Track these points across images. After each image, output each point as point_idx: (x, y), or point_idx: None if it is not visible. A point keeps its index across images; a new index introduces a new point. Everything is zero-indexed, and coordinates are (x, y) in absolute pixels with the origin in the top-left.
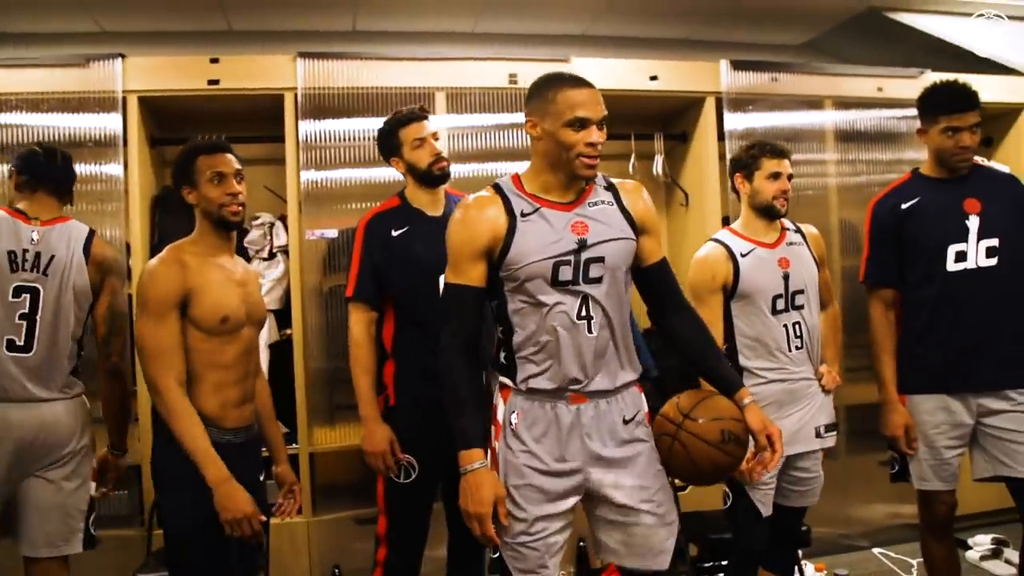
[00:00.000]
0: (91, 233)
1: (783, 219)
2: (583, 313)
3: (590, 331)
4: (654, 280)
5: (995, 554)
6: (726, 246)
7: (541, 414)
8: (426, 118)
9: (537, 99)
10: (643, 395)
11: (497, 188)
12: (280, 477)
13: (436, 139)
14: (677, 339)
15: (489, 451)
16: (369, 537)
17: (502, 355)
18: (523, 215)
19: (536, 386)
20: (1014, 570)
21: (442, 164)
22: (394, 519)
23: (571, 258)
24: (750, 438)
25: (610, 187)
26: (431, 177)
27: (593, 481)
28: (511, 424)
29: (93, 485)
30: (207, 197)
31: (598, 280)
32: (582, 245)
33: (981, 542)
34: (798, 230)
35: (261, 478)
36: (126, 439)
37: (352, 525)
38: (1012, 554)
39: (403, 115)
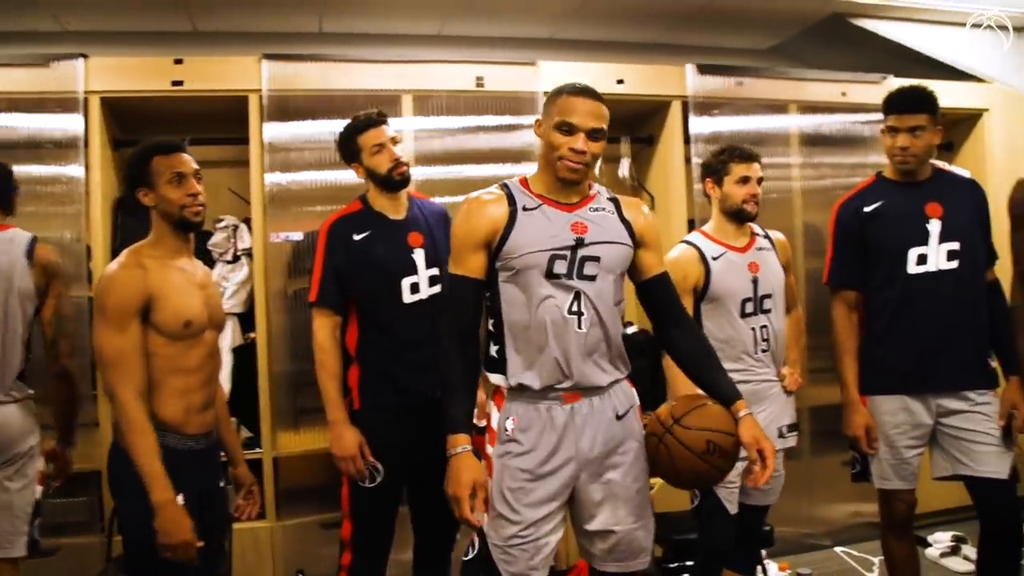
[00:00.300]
0: (33, 239)
1: (753, 224)
2: (574, 308)
3: (580, 327)
4: (655, 292)
5: (954, 551)
6: (698, 248)
7: (536, 416)
8: (384, 123)
9: (546, 104)
10: (634, 390)
11: (504, 186)
12: (239, 479)
13: (396, 143)
14: (677, 351)
15: (484, 458)
16: (334, 542)
17: (492, 348)
18: (525, 209)
19: (525, 382)
20: (972, 566)
21: (402, 169)
22: (359, 523)
23: (567, 253)
24: (740, 451)
25: (613, 199)
26: (391, 182)
27: (580, 481)
28: (506, 430)
29: (39, 489)
30: (167, 199)
31: (592, 278)
32: (579, 242)
33: (941, 539)
34: (767, 236)
35: (222, 484)
36: (73, 434)
37: (317, 529)
38: (971, 551)
39: (361, 121)
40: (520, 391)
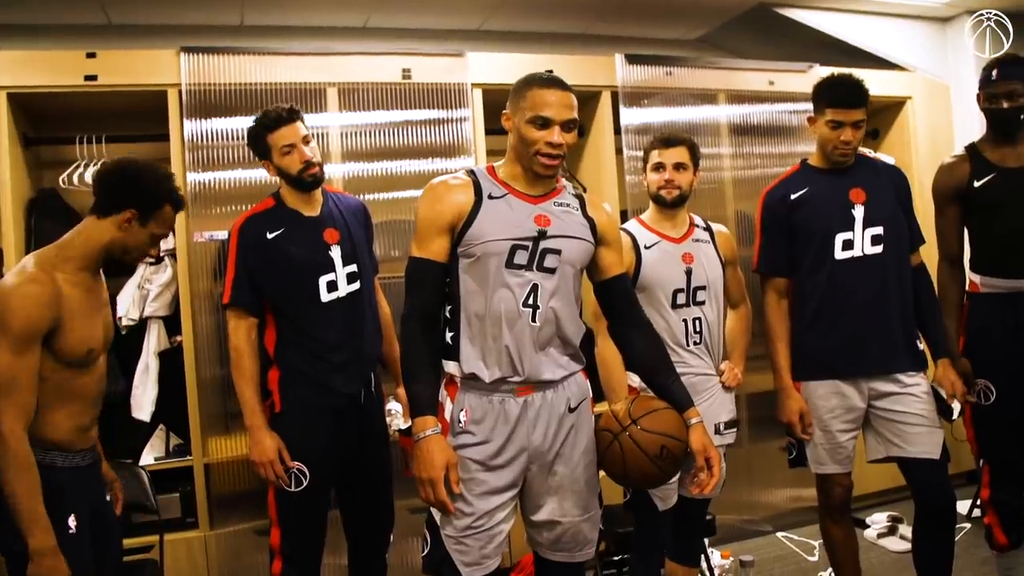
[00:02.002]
0: None
1: (693, 215)
2: (529, 301)
3: (534, 320)
4: (614, 293)
5: (891, 531)
6: (632, 236)
7: (489, 409)
8: (296, 120)
9: (514, 95)
10: (588, 381)
11: (470, 172)
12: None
13: (307, 143)
14: (634, 353)
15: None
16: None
17: (448, 334)
18: (491, 197)
19: (477, 372)
20: (909, 545)
21: (313, 171)
22: (287, 529)
23: (529, 244)
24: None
25: (578, 196)
26: (302, 183)
27: (531, 473)
28: (459, 422)
29: None
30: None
31: (551, 271)
32: (541, 235)
33: (878, 520)
34: (707, 228)
35: (108, 498)
36: None
37: (252, 536)
38: (907, 530)
39: (271, 119)
40: (473, 381)
